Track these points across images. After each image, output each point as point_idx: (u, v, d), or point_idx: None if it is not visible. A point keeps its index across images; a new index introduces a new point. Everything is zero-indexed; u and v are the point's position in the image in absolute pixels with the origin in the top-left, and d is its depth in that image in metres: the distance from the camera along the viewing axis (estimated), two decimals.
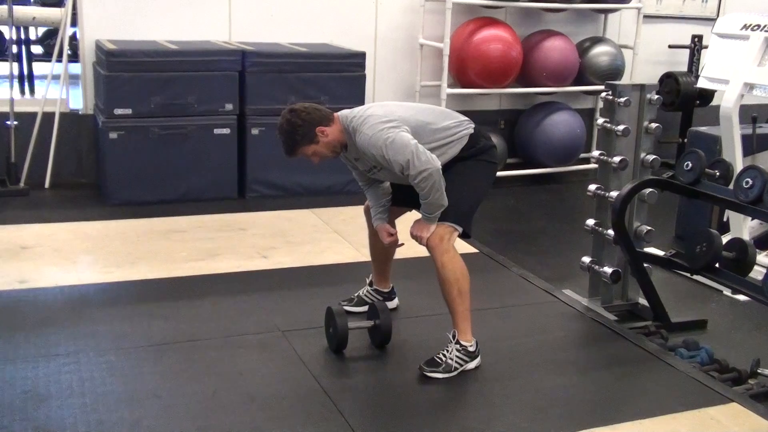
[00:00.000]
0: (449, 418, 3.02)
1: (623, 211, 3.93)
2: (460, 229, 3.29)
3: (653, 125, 4.10)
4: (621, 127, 4.02)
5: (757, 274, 4.00)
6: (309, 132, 3.24)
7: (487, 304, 3.96)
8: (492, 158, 3.45)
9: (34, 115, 5.70)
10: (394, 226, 3.55)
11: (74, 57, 6.16)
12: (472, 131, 3.39)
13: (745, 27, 4.74)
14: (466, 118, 3.44)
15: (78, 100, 6.01)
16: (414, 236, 3.30)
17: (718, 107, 4.80)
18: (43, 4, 7.17)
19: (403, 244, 3.52)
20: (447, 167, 3.31)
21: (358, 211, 3.77)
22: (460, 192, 3.30)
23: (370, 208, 3.59)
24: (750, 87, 4.64)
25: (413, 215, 3.47)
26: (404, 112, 3.30)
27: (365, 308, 3.70)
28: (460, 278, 3.24)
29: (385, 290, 3.84)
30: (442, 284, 3.26)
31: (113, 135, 5.35)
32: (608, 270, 4.12)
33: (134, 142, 5.39)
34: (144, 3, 5.81)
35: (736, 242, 3.73)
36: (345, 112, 3.34)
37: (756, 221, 4.81)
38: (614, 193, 4.00)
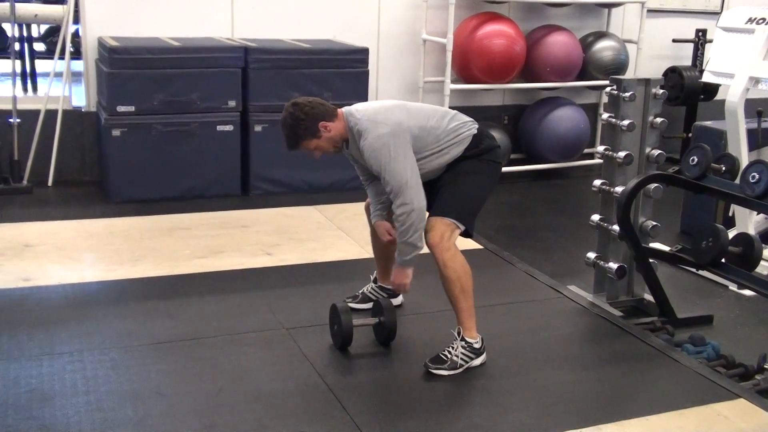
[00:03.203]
0: (454, 414, 3.01)
1: (628, 206, 3.91)
2: (462, 227, 3.27)
3: (658, 120, 4.08)
4: (626, 122, 4.00)
5: (763, 269, 3.98)
6: (312, 126, 3.23)
7: (492, 301, 3.95)
8: (495, 158, 3.43)
9: (36, 112, 5.70)
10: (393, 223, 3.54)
11: (77, 54, 6.15)
12: (476, 131, 3.36)
13: (750, 20, 4.72)
14: (471, 119, 3.42)
15: (81, 97, 6.00)
16: (396, 285, 3.33)
17: (722, 101, 4.78)
18: (46, 1, 7.19)
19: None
20: (450, 166, 3.31)
21: (362, 207, 3.75)
22: (462, 190, 3.28)
23: (370, 204, 3.58)
24: (755, 81, 4.61)
25: None
26: (409, 119, 3.26)
27: (370, 305, 3.69)
28: (462, 276, 3.22)
29: (389, 287, 3.83)
30: (444, 282, 3.25)
31: (116, 132, 5.34)
32: (613, 265, 4.11)
33: (137, 140, 5.38)
34: (146, 0, 5.80)
35: (742, 237, 3.70)
36: (350, 109, 3.32)
37: (762, 216, 4.79)
38: (619, 189, 3.98)
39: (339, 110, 3.31)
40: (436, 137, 3.29)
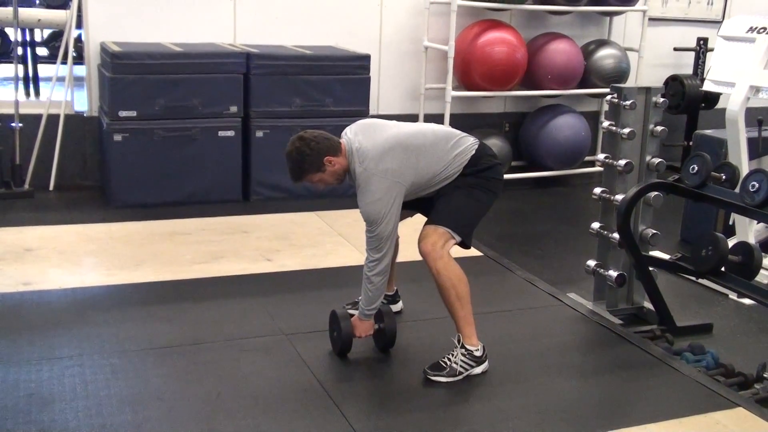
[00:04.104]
0: (453, 421, 3.01)
1: (628, 214, 3.91)
2: (458, 238, 3.27)
3: (659, 128, 4.09)
4: (626, 130, 4.01)
5: (762, 278, 3.99)
6: (317, 161, 3.24)
7: (492, 308, 3.95)
8: (495, 174, 3.38)
9: (39, 117, 5.71)
10: None
11: (79, 59, 6.17)
12: (474, 152, 3.33)
13: (751, 29, 4.73)
14: (473, 140, 3.37)
15: (83, 102, 6.01)
16: (357, 337, 3.36)
17: (723, 110, 4.79)
18: (48, 6, 7.20)
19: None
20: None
21: None
22: (458, 201, 3.28)
23: None
24: (756, 90, 4.62)
25: (414, 220, 3.47)
26: (407, 165, 3.21)
27: None
28: (456, 284, 3.22)
29: (389, 293, 3.83)
30: (440, 291, 3.26)
31: (118, 137, 5.35)
32: (613, 273, 4.11)
33: (139, 145, 5.39)
34: (149, 5, 5.82)
35: (742, 246, 3.71)
36: (351, 144, 3.26)
37: (762, 225, 4.79)
38: (619, 197, 3.99)
39: (342, 142, 3.30)
40: (434, 173, 3.27)
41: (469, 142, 3.35)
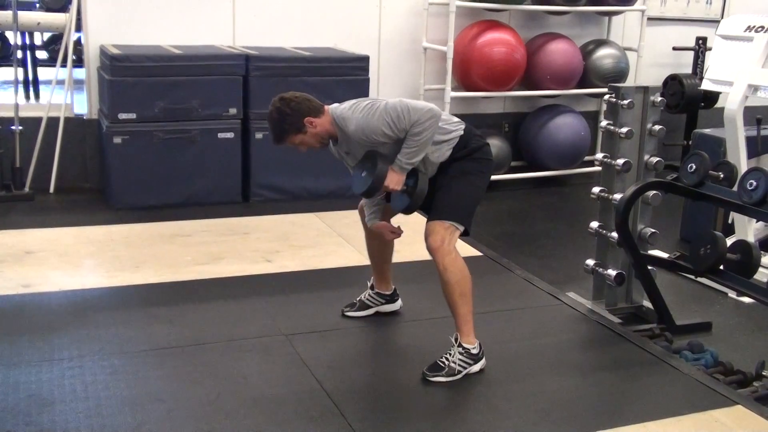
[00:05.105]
0: (452, 421, 3.01)
1: (627, 213, 3.92)
2: (462, 228, 3.29)
3: (657, 127, 4.09)
4: (624, 130, 4.02)
5: (761, 276, 3.99)
6: (297, 122, 3.27)
7: (491, 307, 3.96)
8: (485, 155, 3.42)
9: (39, 120, 5.72)
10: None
11: (79, 62, 6.19)
12: (462, 132, 3.36)
13: (749, 29, 4.74)
14: (457, 119, 3.41)
15: (83, 104, 6.03)
16: (388, 188, 3.27)
17: (722, 109, 4.79)
18: (48, 10, 7.21)
19: (402, 232, 3.51)
20: (441, 169, 3.34)
21: None
22: (457, 191, 3.30)
23: (364, 207, 3.59)
24: (754, 89, 4.63)
25: (414, 221, 3.47)
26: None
27: (368, 312, 3.71)
28: (461, 280, 3.23)
29: (387, 292, 3.83)
30: (444, 286, 3.26)
31: (117, 139, 5.36)
32: (612, 272, 4.11)
33: (138, 147, 5.40)
34: (148, 8, 5.83)
35: (741, 244, 3.71)
36: (335, 105, 3.36)
37: (761, 223, 4.79)
38: (618, 196, 3.99)
39: (326, 107, 3.35)
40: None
41: (454, 119, 3.39)
